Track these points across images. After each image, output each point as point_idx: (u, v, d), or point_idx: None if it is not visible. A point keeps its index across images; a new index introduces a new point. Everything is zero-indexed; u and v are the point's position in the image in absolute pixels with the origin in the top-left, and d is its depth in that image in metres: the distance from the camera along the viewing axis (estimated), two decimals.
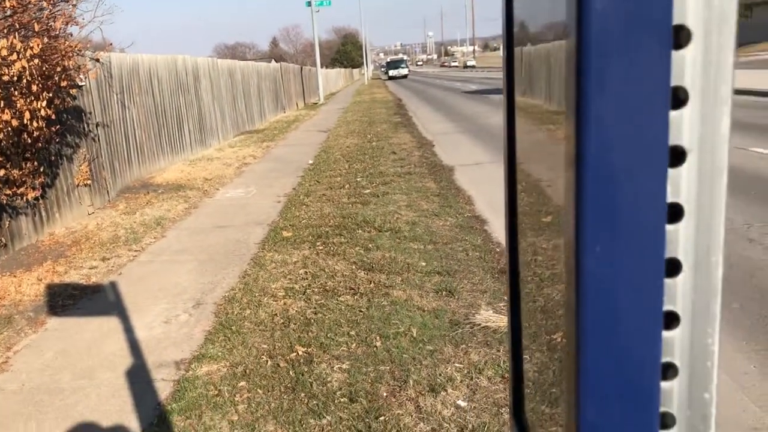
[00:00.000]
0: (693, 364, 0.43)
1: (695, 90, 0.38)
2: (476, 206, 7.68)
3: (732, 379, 3.44)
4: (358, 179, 9.93)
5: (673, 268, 0.41)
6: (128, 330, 4.77)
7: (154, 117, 11.45)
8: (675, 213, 0.40)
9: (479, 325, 4.31)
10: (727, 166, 0.39)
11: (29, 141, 6.72)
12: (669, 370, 0.43)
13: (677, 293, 0.42)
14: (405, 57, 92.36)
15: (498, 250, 5.96)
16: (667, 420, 0.44)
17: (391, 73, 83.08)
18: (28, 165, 6.80)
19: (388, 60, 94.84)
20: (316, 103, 34.14)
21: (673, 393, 0.43)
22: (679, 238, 0.41)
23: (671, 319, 0.42)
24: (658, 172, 0.36)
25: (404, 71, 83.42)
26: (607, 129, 0.35)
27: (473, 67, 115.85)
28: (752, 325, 4.07)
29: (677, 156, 0.38)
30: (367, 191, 8.96)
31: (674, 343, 0.43)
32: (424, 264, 5.70)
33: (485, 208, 7.54)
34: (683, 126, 0.38)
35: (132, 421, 3.52)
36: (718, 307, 0.42)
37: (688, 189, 0.39)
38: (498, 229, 6.64)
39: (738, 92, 18.15)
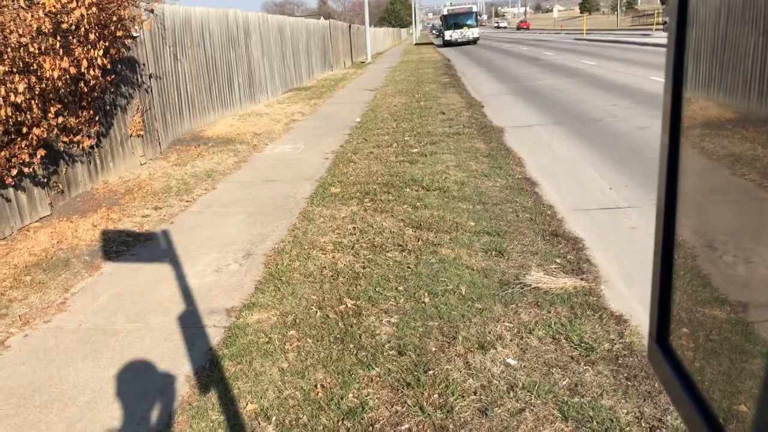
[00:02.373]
0: None
1: None
2: (527, 168, 7.54)
3: None
4: (406, 138, 9.84)
5: None
6: (180, 277, 4.86)
7: (205, 70, 11.50)
8: None
9: (530, 285, 4.26)
10: None
11: (86, 89, 6.82)
12: None
13: None
14: (474, 8, 50.95)
15: (549, 212, 5.86)
16: None
17: (450, 35, 50.51)
18: (84, 113, 6.92)
19: (446, 12, 52.24)
20: (363, 62, 33.86)
21: None
22: None
23: None
24: None
25: (473, 32, 50.03)
26: None
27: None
28: None
29: None
30: (415, 150, 8.88)
31: None
32: (473, 224, 5.64)
33: (536, 170, 7.41)
34: None
35: (184, 365, 3.60)
36: None
37: None
38: (549, 192, 6.52)
39: None
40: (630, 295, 4.11)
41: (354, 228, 5.70)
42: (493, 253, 4.91)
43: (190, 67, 10.75)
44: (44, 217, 6.32)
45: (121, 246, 5.62)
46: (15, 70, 5.55)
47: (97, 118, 7.29)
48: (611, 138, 9.04)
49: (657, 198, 0.53)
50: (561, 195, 6.42)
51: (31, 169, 6.03)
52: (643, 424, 2.83)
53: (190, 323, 4.11)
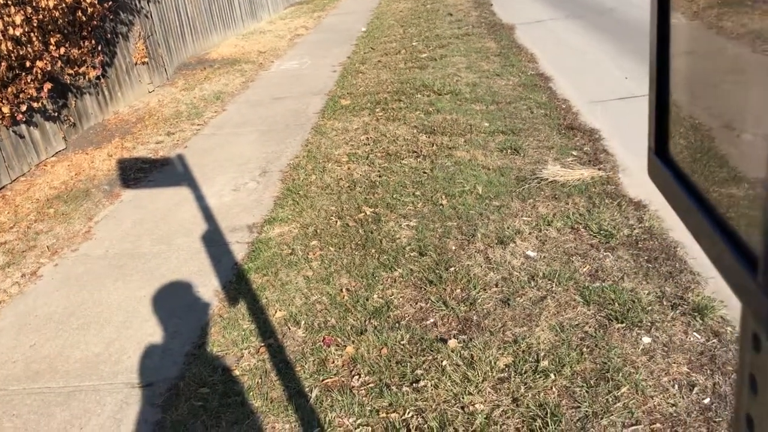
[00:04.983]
0: None
1: None
2: (539, 64, 7.37)
3: None
4: (414, 43, 9.61)
5: None
6: (199, 198, 4.91)
7: None
8: None
9: (546, 179, 4.24)
10: None
11: (84, 18, 6.69)
12: None
13: None
14: None
15: (564, 106, 5.76)
16: None
17: None
18: (86, 44, 6.82)
19: None
20: None
21: None
22: None
23: None
24: None
25: None
26: None
27: None
28: None
29: None
30: (424, 55, 8.68)
31: None
32: (487, 124, 5.57)
33: (549, 66, 7.23)
34: None
35: (211, 280, 3.69)
36: None
37: None
38: (563, 86, 6.39)
39: None
40: (649, 181, 4.07)
41: (367, 138, 5.67)
42: (509, 151, 4.88)
43: None
44: (60, 151, 6.35)
45: (138, 173, 5.65)
46: (10, 2, 5.45)
47: (99, 48, 7.19)
48: (626, 26, 8.74)
49: None
50: (576, 88, 6.29)
51: (39, 104, 6.01)
52: (664, 303, 2.87)
53: (214, 241, 4.18)
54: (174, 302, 3.55)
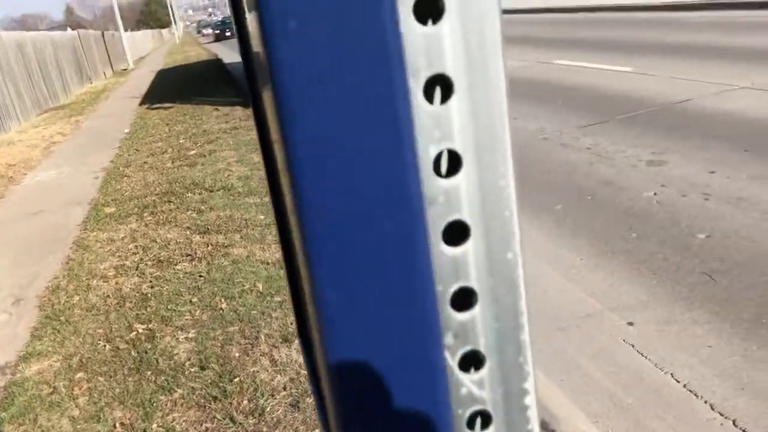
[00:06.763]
0: (489, 223, 0.35)
1: None
2: None
3: (561, 275, 3.67)
4: (182, 141, 9.41)
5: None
6: None
7: None
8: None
9: None
10: None
11: None
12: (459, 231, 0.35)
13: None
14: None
15: None
16: (470, 298, 0.36)
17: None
18: None
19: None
20: (125, 70, 31.88)
21: (468, 261, 0.35)
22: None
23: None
24: None
25: None
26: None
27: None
28: (575, 222, 4.36)
29: None
30: (193, 152, 8.51)
31: (460, 199, 0.34)
32: (262, 217, 5.53)
33: None
34: None
35: None
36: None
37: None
38: None
39: (545, 10, 19.33)
40: None
41: (136, 247, 5.32)
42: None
43: None
44: None
45: None
46: None
47: None
48: None
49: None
50: None
51: None
52: None
53: None
54: None
